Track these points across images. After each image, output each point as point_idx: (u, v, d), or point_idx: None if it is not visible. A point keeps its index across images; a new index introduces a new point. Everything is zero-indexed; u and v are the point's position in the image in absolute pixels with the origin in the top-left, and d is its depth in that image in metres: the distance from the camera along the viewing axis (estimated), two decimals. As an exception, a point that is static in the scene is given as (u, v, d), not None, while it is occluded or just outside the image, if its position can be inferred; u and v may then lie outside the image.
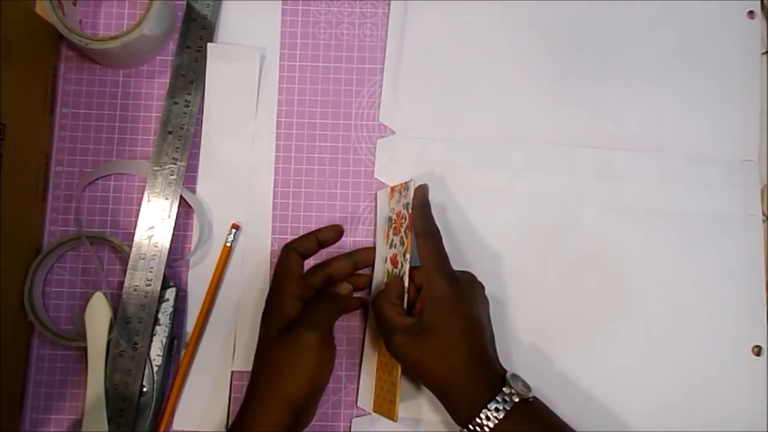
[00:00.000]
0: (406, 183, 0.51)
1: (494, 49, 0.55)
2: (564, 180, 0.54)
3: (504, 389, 0.43)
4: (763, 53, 0.56)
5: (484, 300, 0.48)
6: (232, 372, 0.51)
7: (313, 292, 0.50)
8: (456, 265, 0.50)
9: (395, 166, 0.54)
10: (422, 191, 0.50)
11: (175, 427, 0.50)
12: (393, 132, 0.54)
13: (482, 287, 0.49)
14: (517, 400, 0.43)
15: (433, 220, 0.49)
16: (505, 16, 0.56)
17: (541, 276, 0.53)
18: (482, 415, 0.42)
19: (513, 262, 0.53)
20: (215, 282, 0.51)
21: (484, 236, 0.53)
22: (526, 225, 0.54)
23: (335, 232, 0.51)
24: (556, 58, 0.56)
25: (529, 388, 0.44)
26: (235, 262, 0.52)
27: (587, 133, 0.55)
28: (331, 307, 0.47)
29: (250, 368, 0.47)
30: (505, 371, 0.45)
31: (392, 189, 0.53)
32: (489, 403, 0.42)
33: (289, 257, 0.49)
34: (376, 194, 0.54)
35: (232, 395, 0.51)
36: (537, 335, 0.53)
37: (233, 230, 0.52)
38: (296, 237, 0.51)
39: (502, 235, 0.53)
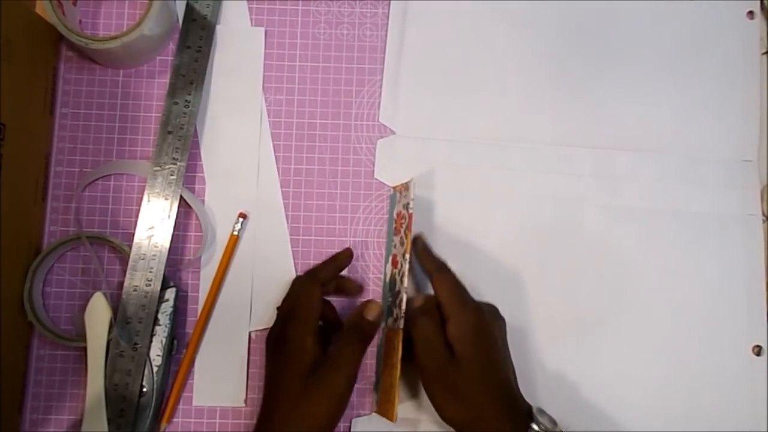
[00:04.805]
0: (406, 183, 0.51)
1: (494, 50, 0.55)
2: (563, 180, 0.54)
3: (533, 425, 0.42)
4: (763, 53, 0.56)
5: (505, 334, 0.48)
6: (249, 335, 0.51)
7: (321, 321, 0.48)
8: (458, 264, 0.50)
9: (395, 166, 0.54)
10: (420, 239, 0.50)
11: (195, 403, 0.51)
12: (393, 132, 0.54)
13: (504, 321, 0.48)
14: None
15: (438, 257, 0.49)
16: (504, 16, 0.56)
17: (541, 276, 0.53)
18: None
19: (512, 262, 0.53)
20: (224, 264, 0.51)
21: (483, 237, 0.53)
22: (526, 225, 0.54)
23: (350, 255, 0.51)
24: (556, 58, 0.56)
25: (555, 423, 0.43)
26: (244, 253, 0.52)
27: (587, 134, 0.55)
28: (361, 344, 0.45)
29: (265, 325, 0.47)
30: (530, 406, 0.44)
31: (394, 189, 0.53)
32: None
33: (313, 290, 0.46)
34: (390, 194, 0.54)
35: (250, 369, 0.51)
36: (536, 335, 0.52)
37: (240, 219, 0.52)
38: (312, 266, 0.50)
39: (502, 235, 0.53)
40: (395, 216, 0.52)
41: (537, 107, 0.55)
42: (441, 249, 0.53)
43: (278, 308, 0.48)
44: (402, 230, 0.50)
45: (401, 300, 0.48)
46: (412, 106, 0.55)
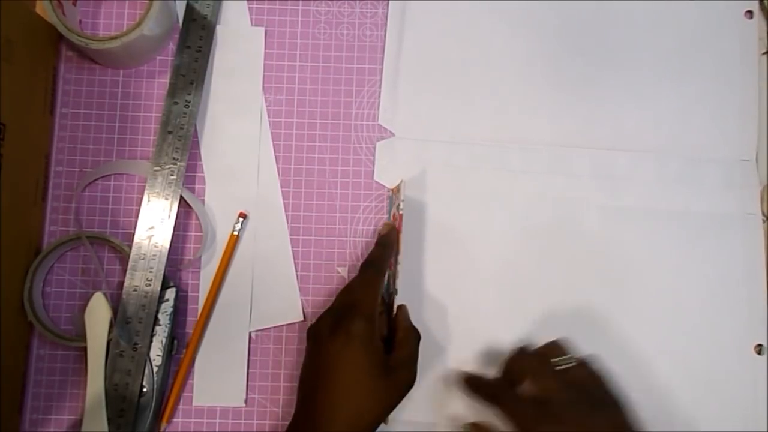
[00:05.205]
0: (398, 185, 0.51)
1: (493, 51, 0.55)
2: (563, 181, 0.54)
3: None
4: (763, 53, 0.56)
5: (596, 381, 0.44)
6: (249, 335, 0.51)
7: None
8: (456, 266, 0.50)
9: (395, 168, 0.54)
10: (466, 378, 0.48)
11: (195, 403, 0.51)
12: (392, 134, 0.54)
13: (597, 375, 0.44)
14: None
15: (486, 382, 0.47)
16: (503, 17, 0.56)
17: (542, 277, 0.53)
18: None
19: (513, 263, 0.53)
20: (224, 264, 0.51)
21: (483, 238, 0.53)
22: (526, 226, 0.54)
23: (395, 232, 0.50)
24: (555, 59, 0.56)
25: None
26: (244, 252, 0.52)
27: (586, 135, 0.55)
28: (419, 343, 0.47)
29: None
30: None
31: (392, 191, 0.53)
32: None
33: (379, 284, 0.46)
34: (389, 196, 0.54)
35: (250, 369, 0.51)
36: (535, 336, 0.52)
37: (240, 219, 0.52)
38: (371, 256, 0.48)
39: (502, 236, 0.53)
40: (391, 218, 0.52)
41: (536, 108, 0.55)
42: (441, 251, 0.53)
43: (341, 296, 0.47)
44: None
45: (393, 302, 0.48)
46: (412, 107, 0.55)
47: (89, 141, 0.53)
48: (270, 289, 0.52)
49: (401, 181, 0.50)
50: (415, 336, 0.47)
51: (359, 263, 0.52)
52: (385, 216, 0.54)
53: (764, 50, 0.56)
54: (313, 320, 0.46)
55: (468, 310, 0.52)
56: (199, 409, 0.51)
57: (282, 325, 0.52)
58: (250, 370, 0.51)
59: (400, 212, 0.49)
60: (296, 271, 0.52)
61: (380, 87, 0.55)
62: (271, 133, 0.54)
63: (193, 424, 0.51)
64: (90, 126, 0.53)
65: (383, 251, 0.49)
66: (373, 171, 0.54)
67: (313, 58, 0.55)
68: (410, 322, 0.48)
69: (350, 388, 0.42)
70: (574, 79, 0.55)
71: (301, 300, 0.52)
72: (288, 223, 0.53)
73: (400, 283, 0.49)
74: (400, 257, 0.48)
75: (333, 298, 0.52)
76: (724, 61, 0.56)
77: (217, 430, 0.51)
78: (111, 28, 0.54)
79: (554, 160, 0.54)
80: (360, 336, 0.43)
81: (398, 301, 0.49)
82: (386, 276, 0.49)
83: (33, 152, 0.51)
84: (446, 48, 0.55)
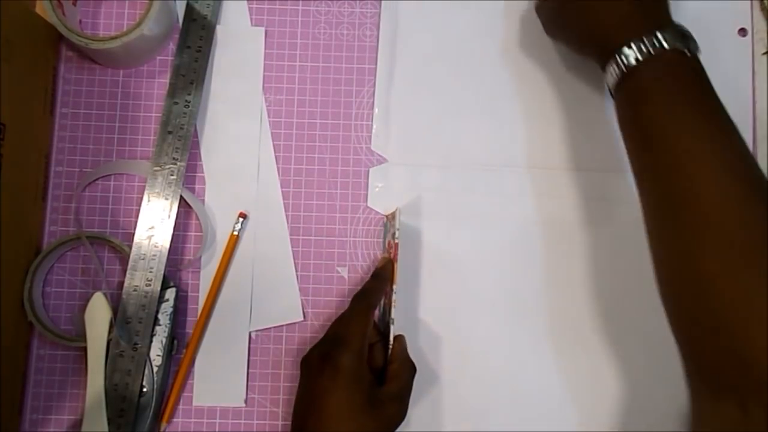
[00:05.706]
0: (393, 212, 0.50)
1: (486, 74, 0.55)
2: (558, 204, 0.54)
3: (658, 33, 0.42)
4: (763, 53, 0.56)
5: None
6: (249, 335, 0.51)
7: None
8: (451, 293, 0.51)
9: (388, 194, 0.53)
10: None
11: (195, 403, 0.51)
12: (385, 160, 0.54)
13: None
14: (667, 47, 0.42)
15: None
16: (497, 40, 0.55)
17: (538, 301, 0.52)
18: (624, 52, 0.42)
19: (509, 288, 0.53)
20: (224, 264, 0.51)
21: (478, 263, 0.53)
22: (521, 250, 0.53)
23: (392, 266, 0.49)
24: (550, 81, 0.55)
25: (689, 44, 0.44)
26: (244, 252, 0.52)
27: (581, 157, 0.54)
28: (414, 375, 0.47)
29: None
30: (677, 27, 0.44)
31: (386, 218, 0.53)
32: (632, 41, 0.42)
33: (369, 317, 0.46)
34: (384, 222, 0.53)
35: (250, 369, 0.51)
36: (533, 361, 0.52)
37: (240, 219, 0.52)
38: (364, 287, 0.48)
39: (497, 261, 0.53)
40: (386, 245, 0.52)
41: (530, 131, 0.54)
42: (435, 276, 0.52)
43: (331, 328, 0.46)
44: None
45: (390, 332, 0.47)
46: (404, 133, 0.54)
47: (89, 141, 0.53)
48: (270, 289, 0.52)
49: (396, 209, 0.50)
50: (409, 369, 0.46)
51: (359, 263, 0.53)
52: (381, 227, 0.53)
53: (764, 50, 0.56)
54: (307, 350, 0.46)
55: (464, 335, 0.52)
56: (199, 409, 0.51)
57: (282, 325, 0.52)
58: (250, 370, 0.51)
59: (396, 241, 0.49)
60: (296, 271, 0.52)
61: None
62: (271, 133, 0.54)
63: (193, 424, 0.51)
64: (90, 126, 0.53)
65: (377, 284, 0.48)
66: (368, 194, 0.53)
67: (313, 58, 0.55)
68: (406, 354, 0.47)
69: (336, 422, 0.42)
70: (570, 101, 0.54)
71: (301, 300, 0.52)
72: (288, 223, 0.53)
73: (397, 311, 0.48)
74: (396, 286, 0.48)
75: (333, 299, 0.52)
76: (719, 78, 0.55)
77: (217, 430, 0.51)
78: (111, 28, 0.54)
79: (549, 183, 0.54)
80: (346, 370, 0.43)
81: (395, 329, 0.48)
82: (378, 308, 0.48)
83: (33, 152, 0.51)
84: (438, 73, 0.54)
